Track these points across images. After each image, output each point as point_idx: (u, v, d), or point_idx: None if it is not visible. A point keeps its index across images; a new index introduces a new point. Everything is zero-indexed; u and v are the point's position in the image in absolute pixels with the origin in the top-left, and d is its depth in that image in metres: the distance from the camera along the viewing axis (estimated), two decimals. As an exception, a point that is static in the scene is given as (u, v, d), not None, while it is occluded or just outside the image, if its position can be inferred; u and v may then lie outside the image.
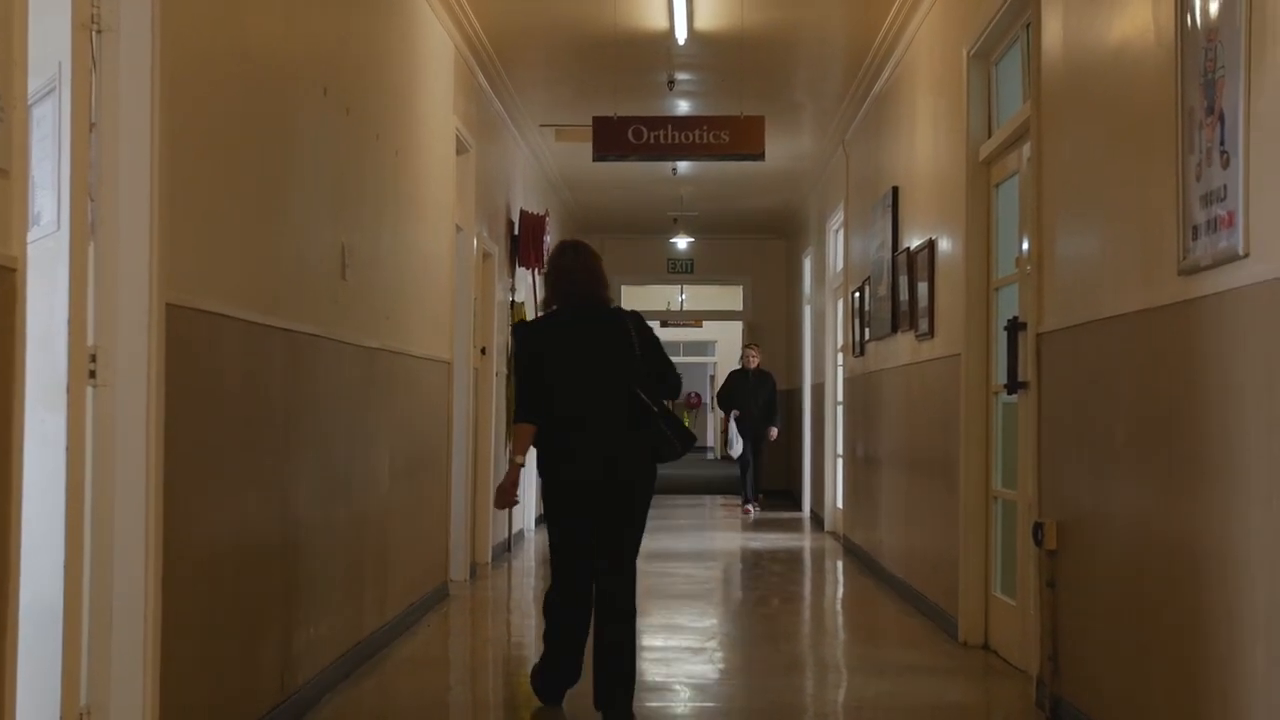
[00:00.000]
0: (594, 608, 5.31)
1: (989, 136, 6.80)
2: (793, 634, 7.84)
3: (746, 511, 15.39)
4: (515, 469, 5.39)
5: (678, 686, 6.15)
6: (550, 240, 12.29)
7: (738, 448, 15.67)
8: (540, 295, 5.78)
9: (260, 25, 4.92)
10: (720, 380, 19.24)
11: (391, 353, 6.82)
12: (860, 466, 10.88)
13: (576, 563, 5.40)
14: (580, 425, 5.25)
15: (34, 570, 3.38)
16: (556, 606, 5.45)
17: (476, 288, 9.76)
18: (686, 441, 5.36)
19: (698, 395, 34.00)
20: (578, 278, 5.35)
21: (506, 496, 5.49)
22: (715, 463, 24.86)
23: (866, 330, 10.30)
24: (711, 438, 32.00)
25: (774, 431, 15.71)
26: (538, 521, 13.53)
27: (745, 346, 16.64)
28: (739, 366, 16.13)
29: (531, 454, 5.45)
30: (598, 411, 5.25)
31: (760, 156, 9.87)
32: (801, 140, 12.72)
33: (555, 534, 5.51)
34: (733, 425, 15.63)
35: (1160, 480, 4.13)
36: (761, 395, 15.52)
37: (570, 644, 5.40)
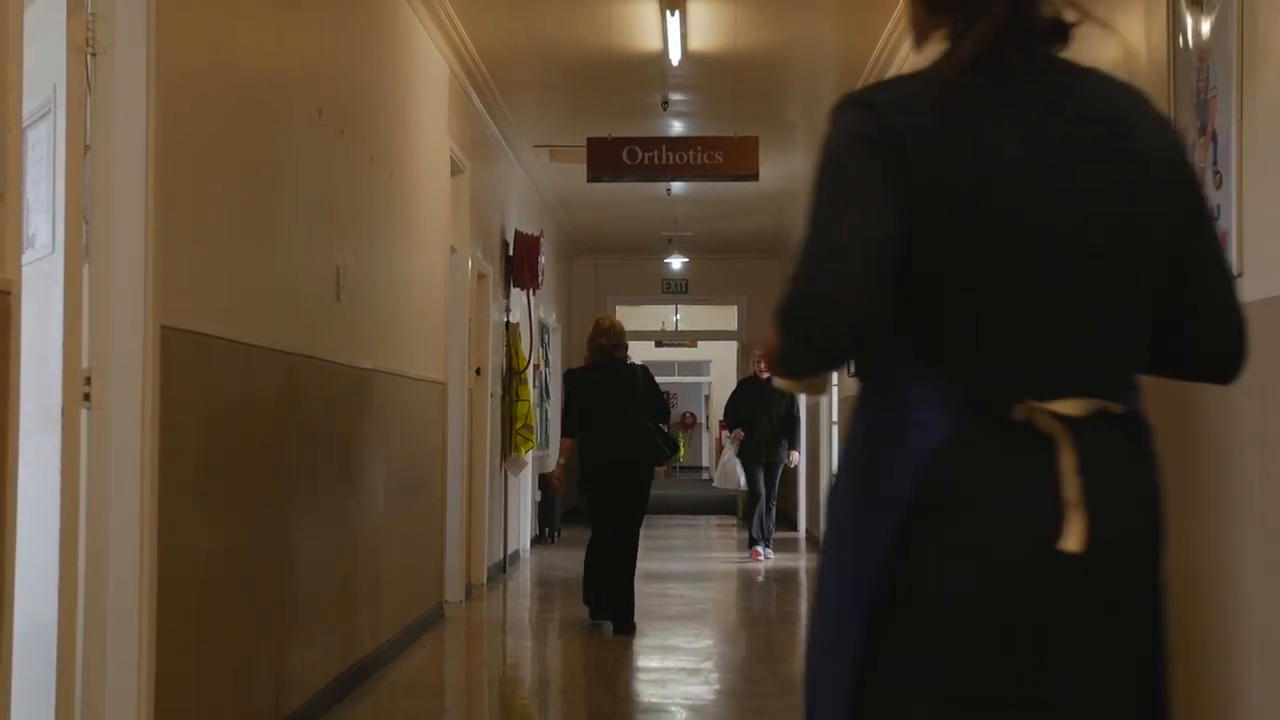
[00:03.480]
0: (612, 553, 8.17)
1: (982, 156, 6.81)
2: (789, 654, 7.82)
3: (756, 556, 12.31)
4: (560, 468, 8.93)
5: (674, 708, 6.14)
6: (544, 261, 12.31)
7: (738, 478, 12.67)
8: (585, 353, 8.61)
9: (255, 47, 4.93)
10: (718, 399, 17.34)
11: (386, 374, 6.82)
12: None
13: (604, 527, 8.21)
14: (605, 434, 8.14)
15: (29, 591, 3.37)
16: (591, 553, 8.32)
17: (471, 309, 9.76)
18: (672, 448, 8.68)
19: (693, 415, 33.97)
20: (605, 343, 8.37)
21: (555, 488, 9.20)
22: (710, 483, 24.83)
23: (861, 350, 10.27)
24: (706, 458, 31.94)
25: (794, 456, 12.59)
26: (533, 542, 13.52)
27: (757, 351, 13.25)
28: (749, 374, 13.30)
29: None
30: (615, 426, 8.15)
31: (754, 177, 9.89)
32: (796, 160, 12.73)
33: (592, 506, 8.33)
34: (728, 448, 12.77)
35: (1155, 499, 4.13)
36: (777, 410, 12.34)
37: (601, 580, 8.22)
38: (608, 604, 8.16)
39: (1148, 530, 1.92)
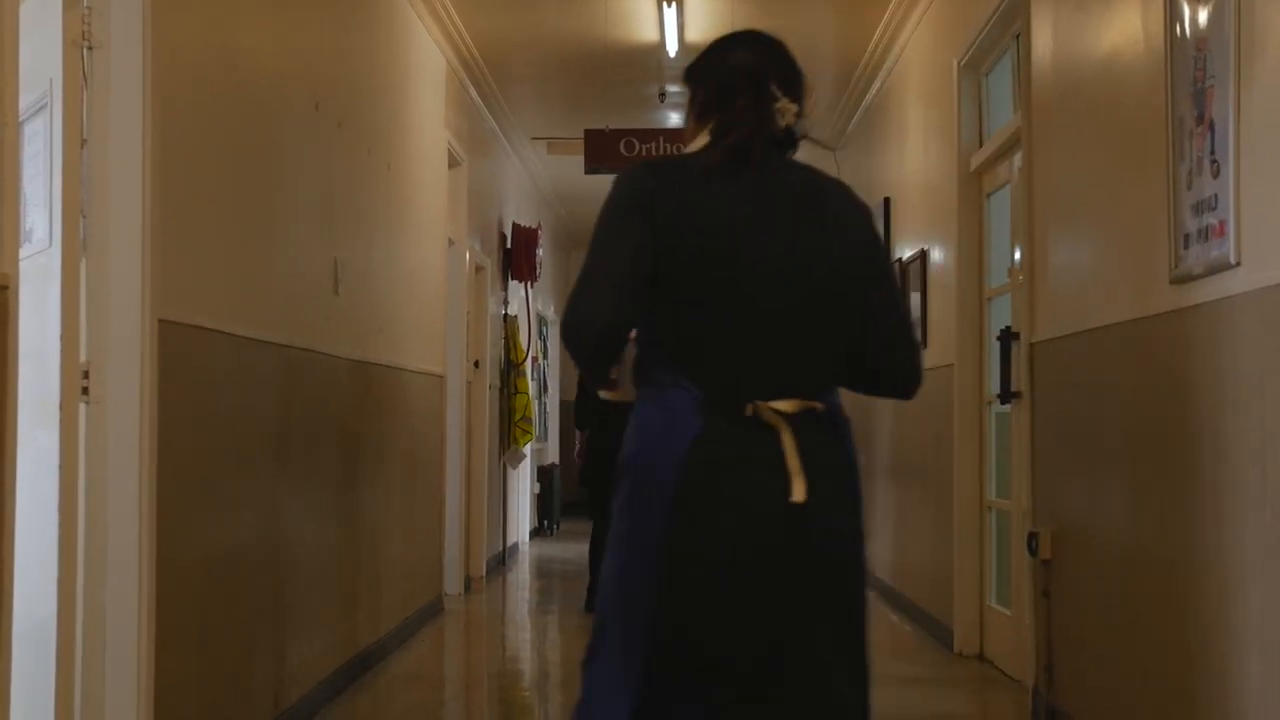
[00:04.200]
0: None
1: (980, 147, 6.81)
2: (788, 646, 7.83)
3: None
4: (580, 453, 9.26)
5: (673, 699, 6.14)
6: (542, 253, 12.30)
7: None
8: None
9: (252, 40, 4.93)
10: None
11: (384, 367, 6.82)
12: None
13: (606, 517, 8.78)
14: (606, 422, 8.40)
15: (27, 588, 3.37)
16: (595, 546, 8.57)
17: (469, 301, 9.76)
18: None
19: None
20: None
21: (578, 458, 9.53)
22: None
23: (859, 341, 10.29)
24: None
25: None
26: (532, 534, 13.52)
27: None
28: None
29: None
30: (615, 414, 8.74)
31: (752, 168, 9.85)
32: (793, 152, 12.72)
33: (592, 495, 8.70)
34: None
35: (1154, 488, 4.14)
36: None
37: None
38: None
39: (844, 493, 2.64)
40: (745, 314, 2.58)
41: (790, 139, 2.74)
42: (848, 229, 2.68)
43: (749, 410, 2.54)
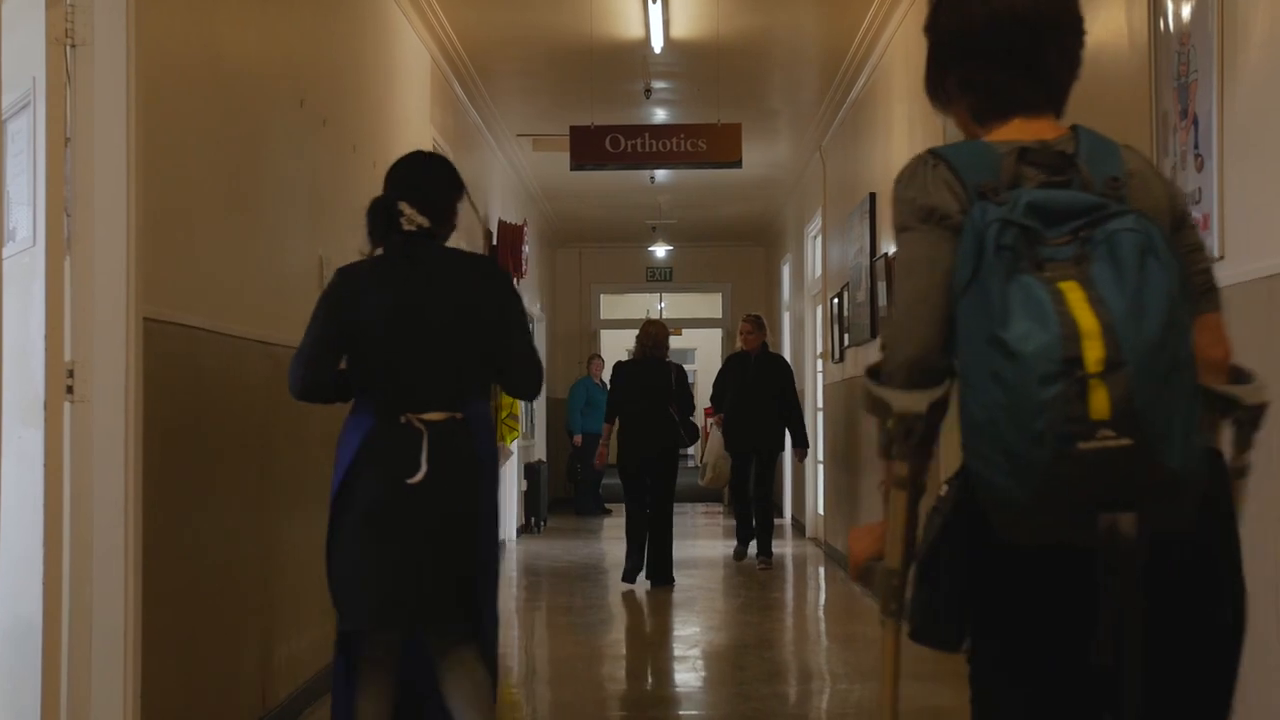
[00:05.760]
0: (646, 526, 9.73)
1: (965, 142, 6.81)
2: (775, 641, 7.84)
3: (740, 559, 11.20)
4: (603, 447, 10.29)
5: (663, 696, 6.14)
6: (528, 250, 12.28)
7: (727, 475, 10.97)
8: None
9: (236, 37, 4.92)
10: (703, 386, 14.16)
11: (371, 364, 6.80)
12: (841, 472, 10.88)
13: (635, 507, 9.73)
14: (634, 425, 9.59)
15: (13, 587, 3.37)
16: (629, 527, 9.74)
17: (455, 298, 9.73)
18: (693, 436, 9.93)
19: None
20: (645, 343, 9.78)
21: (599, 459, 10.66)
22: (695, 470, 24.74)
23: (846, 336, 10.31)
24: (691, 446, 31.84)
25: (800, 453, 11.25)
26: (519, 532, 13.52)
27: (742, 320, 11.17)
28: (735, 351, 11.50)
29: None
30: (644, 418, 9.57)
31: (738, 164, 9.88)
32: (779, 147, 12.74)
33: (625, 489, 9.80)
34: (714, 436, 10.94)
35: (1139, 483, 4.14)
36: (769, 391, 10.65)
37: (637, 548, 9.69)
38: (650, 564, 9.63)
39: (467, 479, 3.84)
40: (402, 356, 3.80)
41: (428, 233, 3.93)
42: (481, 290, 3.89)
43: (403, 419, 3.77)
